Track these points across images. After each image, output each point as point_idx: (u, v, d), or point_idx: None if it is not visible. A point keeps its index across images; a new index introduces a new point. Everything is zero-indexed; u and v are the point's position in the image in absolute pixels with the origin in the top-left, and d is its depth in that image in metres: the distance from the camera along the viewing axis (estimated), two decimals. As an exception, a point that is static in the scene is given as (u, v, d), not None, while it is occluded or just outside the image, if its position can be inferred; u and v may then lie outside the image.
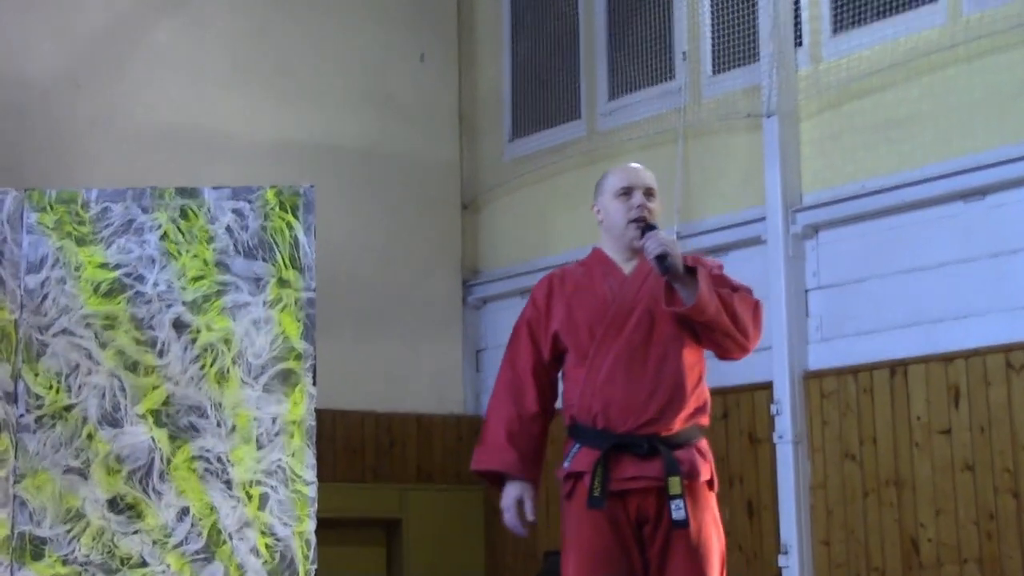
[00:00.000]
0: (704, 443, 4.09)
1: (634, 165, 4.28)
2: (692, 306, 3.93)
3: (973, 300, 6.41)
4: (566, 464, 4.07)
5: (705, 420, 4.11)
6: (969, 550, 6.26)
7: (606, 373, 4.01)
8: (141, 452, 5.61)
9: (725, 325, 3.97)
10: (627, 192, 4.14)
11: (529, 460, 4.11)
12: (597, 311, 4.08)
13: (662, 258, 3.94)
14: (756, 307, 4.09)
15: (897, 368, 6.64)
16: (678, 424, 4.01)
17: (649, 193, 4.15)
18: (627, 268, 4.14)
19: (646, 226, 4.07)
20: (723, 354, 4.10)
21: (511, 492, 4.11)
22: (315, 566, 5.58)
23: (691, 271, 4.00)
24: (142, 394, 5.65)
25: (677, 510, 3.91)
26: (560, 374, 4.21)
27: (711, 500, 4.06)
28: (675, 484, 3.92)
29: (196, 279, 5.73)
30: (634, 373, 4.00)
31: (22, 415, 5.58)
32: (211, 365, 5.67)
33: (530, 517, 4.09)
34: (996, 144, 6.37)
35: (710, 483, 4.07)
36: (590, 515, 3.96)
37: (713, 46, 7.68)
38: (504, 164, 8.87)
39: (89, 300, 5.69)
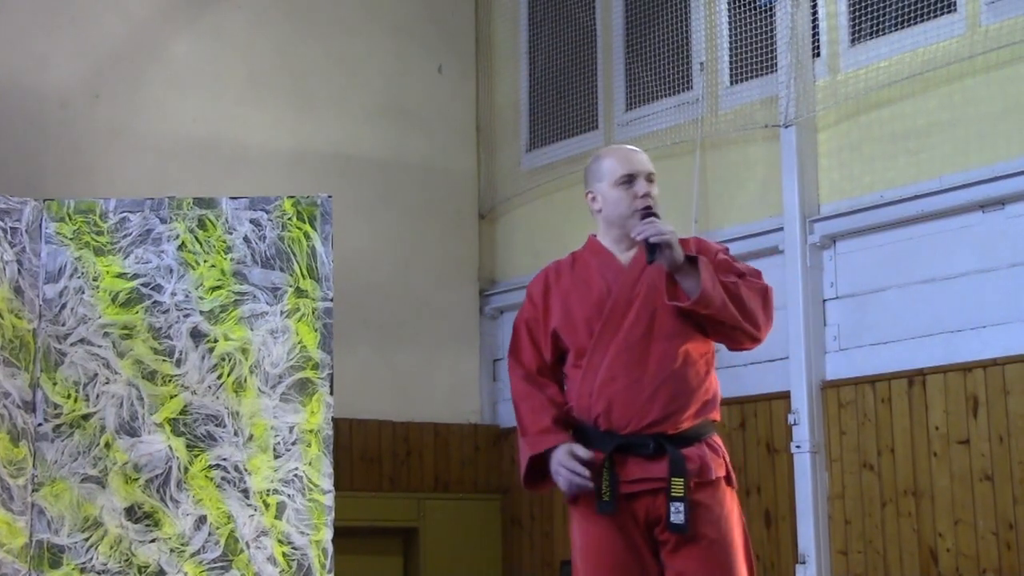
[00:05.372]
0: (716, 438, 3.84)
1: (630, 148, 3.98)
2: (695, 300, 3.69)
3: (992, 310, 6.38)
4: None
5: (716, 415, 3.85)
6: (988, 560, 6.23)
7: (606, 371, 3.76)
8: (158, 461, 5.62)
9: (732, 317, 3.73)
10: (630, 180, 3.85)
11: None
12: (594, 306, 3.82)
13: (656, 247, 3.68)
14: (766, 293, 3.84)
15: (915, 378, 6.61)
16: (686, 422, 3.76)
17: (651, 179, 3.87)
18: (624, 258, 3.88)
19: (646, 213, 3.79)
20: (734, 346, 3.84)
21: (558, 454, 3.75)
22: (332, 575, 5.58)
23: (692, 260, 3.74)
24: (160, 403, 5.66)
25: (676, 513, 3.66)
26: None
27: (730, 496, 3.81)
28: (678, 486, 3.66)
29: (213, 289, 5.74)
30: (635, 370, 3.74)
31: (40, 424, 5.60)
32: (228, 374, 5.69)
33: (584, 454, 3.72)
34: (1015, 154, 6.35)
35: (727, 479, 3.81)
36: (597, 520, 3.73)
37: (731, 57, 7.67)
38: (521, 174, 8.87)
39: (107, 310, 5.71)
